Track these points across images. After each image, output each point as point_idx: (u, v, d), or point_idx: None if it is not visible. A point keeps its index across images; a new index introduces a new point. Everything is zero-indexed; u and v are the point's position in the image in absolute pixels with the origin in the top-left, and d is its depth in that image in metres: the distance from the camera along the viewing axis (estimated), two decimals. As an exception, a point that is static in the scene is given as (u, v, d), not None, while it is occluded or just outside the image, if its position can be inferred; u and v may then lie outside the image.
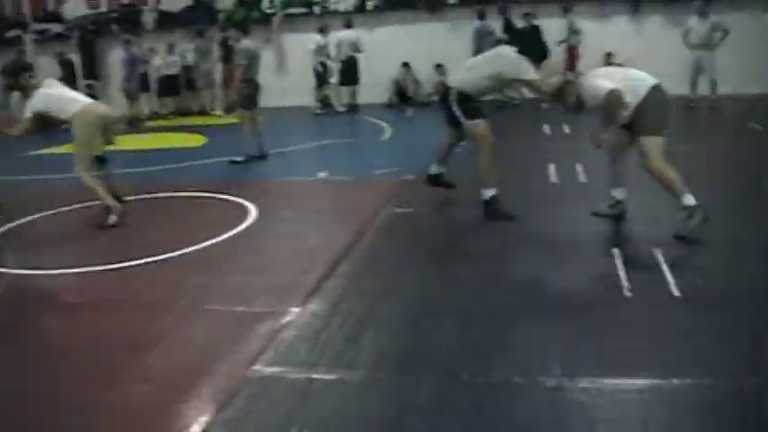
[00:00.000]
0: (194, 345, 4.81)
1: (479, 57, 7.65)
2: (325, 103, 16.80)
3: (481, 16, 15.68)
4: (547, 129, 12.18)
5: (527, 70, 6.93)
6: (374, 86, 16.78)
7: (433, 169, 7.75)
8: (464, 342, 4.56)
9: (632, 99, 6.21)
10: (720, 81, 13.93)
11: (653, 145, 6.22)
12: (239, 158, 10.79)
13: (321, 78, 16.43)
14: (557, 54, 15.04)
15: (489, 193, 7.06)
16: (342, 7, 17.70)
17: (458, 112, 7.09)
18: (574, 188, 8.24)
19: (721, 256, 5.92)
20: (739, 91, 14.86)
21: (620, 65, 14.87)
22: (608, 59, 15.47)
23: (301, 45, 17.32)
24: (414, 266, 6.12)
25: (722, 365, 4.09)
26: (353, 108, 16.42)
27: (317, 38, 16.02)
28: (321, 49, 16.07)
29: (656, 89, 6.28)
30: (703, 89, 13.82)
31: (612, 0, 16.05)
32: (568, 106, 6.68)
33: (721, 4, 14.82)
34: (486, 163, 7.09)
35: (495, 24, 15.75)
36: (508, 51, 7.11)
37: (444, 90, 7.36)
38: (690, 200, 6.13)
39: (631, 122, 6.35)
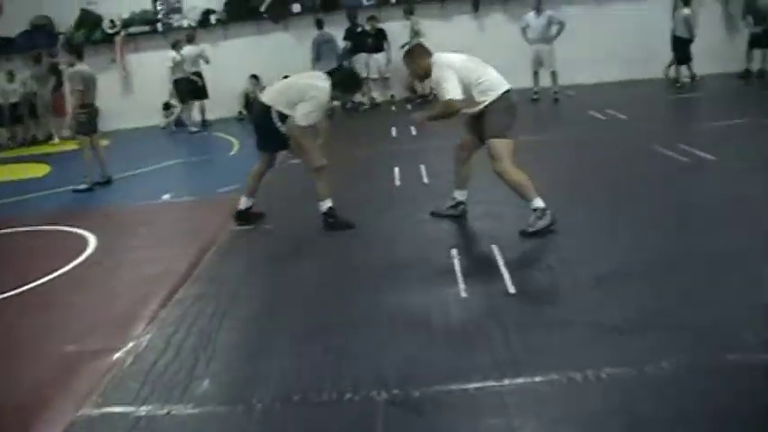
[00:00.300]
0: (21, 390, 4.57)
1: (293, 80, 7.30)
2: (177, 121, 16.35)
3: (319, 26, 15.67)
4: (394, 131, 12.20)
5: (312, 107, 6.78)
6: (224, 100, 16.48)
7: (243, 203, 7.36)
8: (298, 362, 4.46)
9: (483, 98, 6.27)
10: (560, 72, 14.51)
11: (502, 148, 6.28)
12: (82, 186, 10.35)
13: (183, 95, 15.93)
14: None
15: (326, 204, 6.98)
16: (185, 23, 17.25)
17: (282, 128, 6.94)
18: (417, 190, 8.29)
19: (557, 252, 6.00)
20: (577, 81, 15.43)
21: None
22: None
23: (146, 64, 16.84)
24: (250, 287, 6.00)
25: (554, 360, 4.13)
26: (203, 124, 16.07)
27: (172, 54, 15.53)
28: (178, 65, 15.59)
29: (507, 93, 6.35)
30: (546, 81, 14.10)
31: (453, 0, 16.10)
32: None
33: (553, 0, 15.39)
34: (323, 177, 7.01)
35: (335, 32, 15.71)
36: (322, 86, 6.94)
37: (262, 107, 7.11)
38: (539, 203, 6.24)
39: (480, 124, 6.36)
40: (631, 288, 5.10)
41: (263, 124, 7.04)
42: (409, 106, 14.82)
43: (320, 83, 6.90)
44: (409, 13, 15.70)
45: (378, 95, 16.41)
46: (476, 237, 6.52)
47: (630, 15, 16.08)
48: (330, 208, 6.99)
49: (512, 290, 5.21)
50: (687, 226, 6.37)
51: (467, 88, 6.24)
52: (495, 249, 5.97)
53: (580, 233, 6.38)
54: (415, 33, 15.51)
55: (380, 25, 16.27)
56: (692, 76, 14.84)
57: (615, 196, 7.40)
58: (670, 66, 15.21)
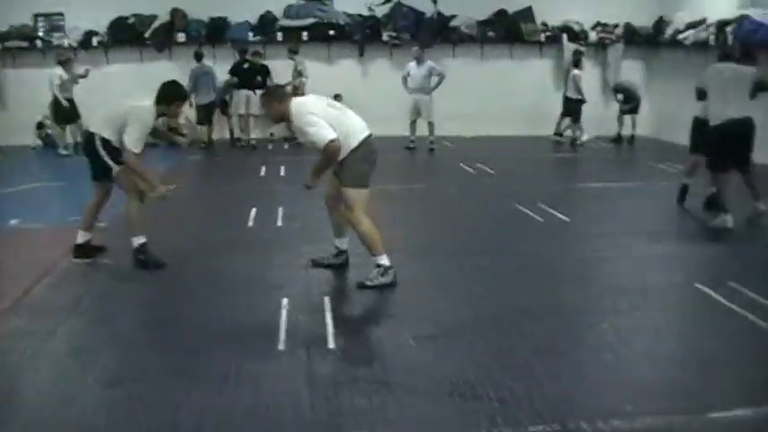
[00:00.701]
0: None
1: (117, 105, 6.84)
2: (48, 142, 15.62)
3: (198, 58, 15.32)
4: (263, 170, 11.93)
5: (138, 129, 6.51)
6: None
7: (80, 237, 6.97)
8: (96, 409, 4.14)
9: (344, 147, 6.04)
10: (439, 123, 14.68)
11: (358, 197, 6.14)
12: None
13: (58, 116, 15.18)
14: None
15: (138, 241, 6.64)
16: (66, 42, 16.59)
17: (105, 157, 6.60)
18: (268, 232, 8.08)
19: (390, 308, 5.93)
20: (456, 133, 15.68)
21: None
22: (338, 101, 15.51)
23: (22, 81, 16.08)
24: (69, 325, 5.60)
25: (356, 424, 3.98)
26: (76, 147, 15.37)
27: (59, 71, 14.77)
28: (64, 84, 14.85)
29: (368, 140, 6.19)
30: (423, 130, 14.17)
31: (339, 43, 16.01)
32: None
33: (438, 52, 15.60)
34: (134, 210, 6.67)
35: (223, 66, 15.41)
36: (145, 104, 6.64)
37: (87, 135, 6.84)
38: (385, 260, 6.13)
39: (339, 170, 6.21)
40: (452, 350, 5.01)
41: (91, 153, 6.67)
42: (286, 145, 14.53)
43: (143, 102, 6.59)
44: (293, 52, 15.49)
45: (257, 133, 16.05)
46: (311, 286, 6.24)
47: (518, 72, 16.53)
48: (142, 244, 6.67)
49: (332, 345, 4.99)
50: (526, 285, 6.41)
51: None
52: (327, 301, 5.76)
53: (418, 289, 6.31)
54: (299, 73, 15.33)
55: (264, 62, 15.95)
56: (573, 139, 15.14)
57: (463, 252, 7.37)
58: (559, 124, 15.44)
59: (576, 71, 14.83)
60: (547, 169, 12.70)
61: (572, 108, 15.03)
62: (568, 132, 15.41)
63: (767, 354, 5.02)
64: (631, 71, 16.26)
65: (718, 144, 8.18)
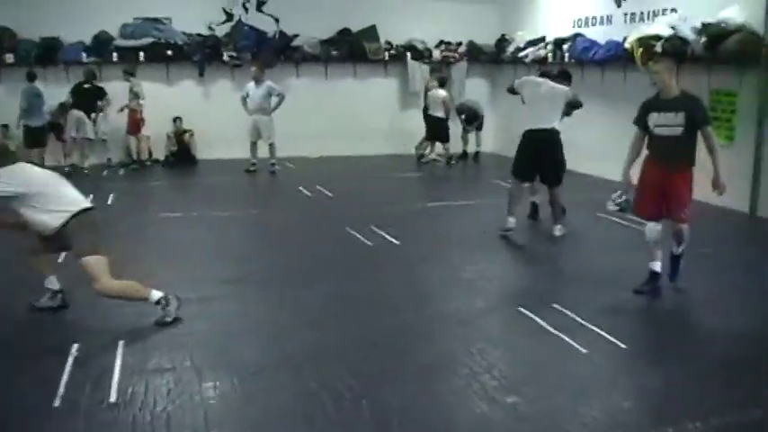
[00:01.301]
0: None
1: None
2: None
3: (30, 78, 14.35)
4: (90, 198, 11.12)
5: None
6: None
7: None
8: None
9: (56, 222, 5.64)
10: (283, 144, 14.38)
11: (96, 266, 5.69)
12: None
13: None
14: (123, 117, 14.51)
15: None
16: None
17: None
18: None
19: (183, 352, 5.43)
20: (301, 154, 15.47)
21: (188, 130, 14.77)
22: (176, 124, 14.99)
23: None
24: None
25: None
26: None
27: None
28: None
29: (87, 212, 5.82)
30: (264, 152, 13.74)
31: (179, 63, 15.37)
32: None
33: (282, 72, 15.48)
34: None
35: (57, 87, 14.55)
36: None
37: None
38: (156, 294, 5.80)
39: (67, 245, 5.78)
40: (250, 398, 4.65)
41: None
42: (122, 171, 13.80)
43: None
44: (129, 74, 14.74)
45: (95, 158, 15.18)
46: (107, 332, 5.68)
47: (363, 91, 16.39)
48: None
49: (113, 398, 4.49)
50: (342, 316, 6.12)
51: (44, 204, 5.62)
52: (121, 346, 5.23)
53: (223, 327, 5.90)
54: (135, 95, 14.58)
55: (100, 84, 15.12)
56: (449, 157, 15.05)
57: (281, 282, 7.06)
58: (422, 143, 15.30)
59: (442, 92, 14.73)
60: (388, 189, 12.42)
61: (441, 127, 14.92)
62: (432, 156, 15.31)
63: (581, 378, 4.82)
64: (476, 88, 16.33)
65: (520, 151, 8.66)
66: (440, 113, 14.73)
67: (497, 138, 16.33)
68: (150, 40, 15.26)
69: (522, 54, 14.93)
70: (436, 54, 16.28)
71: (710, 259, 7.67)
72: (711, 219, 9.55)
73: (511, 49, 15.43)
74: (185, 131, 15.23)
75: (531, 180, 8.93)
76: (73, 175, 13.35)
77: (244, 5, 15.68)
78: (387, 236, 8.52)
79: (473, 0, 16.41)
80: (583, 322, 5.72)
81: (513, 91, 9.00)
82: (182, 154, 15.14)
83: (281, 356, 5.17)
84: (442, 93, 14.82)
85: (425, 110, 15.15)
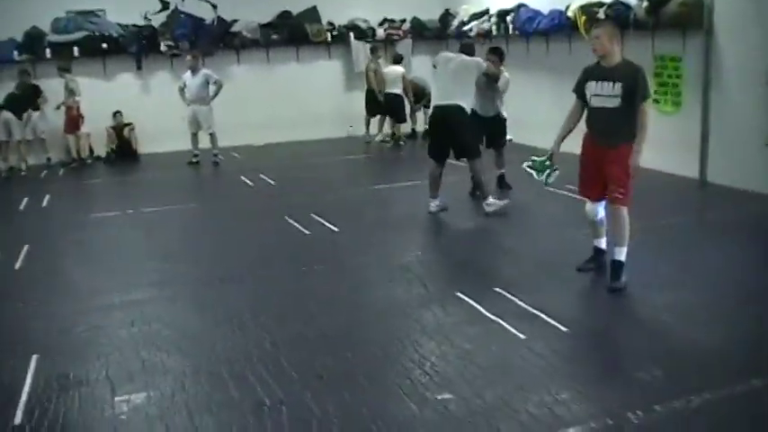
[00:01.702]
0: None
1: None
2: None
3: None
4: (24, 203, 10.67)
5: None
6: None
7: None
8: None
9: None
10: (228, 133, 14.09)
11: None
12: None
13: None
14: (61, 115, 14.00)
15: None
16: None
17: None
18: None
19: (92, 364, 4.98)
20: (246, 142, 15.08)
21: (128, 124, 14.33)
22: (116, 118, 14.52)
23: None
24: None
25: None
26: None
27: None
28: None
29: None
30: (206, 143, 13.35)
31: (115, 56, 14.83)
32: None
33: (222, 60, 15.10)
34: None
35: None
36: None
37: None
38: None
39: None
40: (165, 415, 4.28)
41: None
42: (62, 170, 13.32)
43: None
44: (64, 70, 14.17)
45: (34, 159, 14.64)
46: (20, 345, 5.35)
47: (307, 74, 16.00)
48: None
49: (18, 420, 4.21)
50: (260, 314, 5.76)
51: None
52: (34, 361, 4.90)
53: (143, 333, 5.52)
54: (70, 92, 14.04)
55: (35, 81, 14.56)
56: (398, 137, 14.77)
57: (208, 279, 6.70)
58: (367, 124, 15.05)
59: (400, 68, 14.41)
60: (333, 174, 12.04)
61: (398, 104, 14.69)
62: (379, 136, 14.96)
63: (519, 369, 4.54)
64: (422, 66, 15.94)
65: (429, 130, 8.49)
66: (396, 90, 14.33)
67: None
68: (84, 33, 14.70)
69: (466, 28, 14.60)
70: (380, 32, 15.89)
71: (659, 232, 7.42)
72: (661, 186, 9.35)
73: (455, 23, 15.06)
74: (126, 125, 14.72)
75: (443, 159, 8.49)
76: (11, 178, 12.89)
77: (179, -8, 15.11)
78: (326, 223, 8.21)
79: (416, -26, 16.03)
80: (524, 305, 5.45)
81: (435, 68, 8.80)
82: (123, 149, 14.67)
83: (203, 364, 4.83)
84: (399, 69, 14.51)
85: (368, 88, 14.68)
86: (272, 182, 11.12)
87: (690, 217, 8.21)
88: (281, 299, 6.06)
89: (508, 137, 13.62)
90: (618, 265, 5.81)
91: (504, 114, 9.45)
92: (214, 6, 15.17)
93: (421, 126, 15.43)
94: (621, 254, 5.78)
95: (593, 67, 5.89)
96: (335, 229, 8.03)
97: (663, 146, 10.50)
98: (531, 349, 4.75)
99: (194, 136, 13.47)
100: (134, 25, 14.99)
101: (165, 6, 15.14)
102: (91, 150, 14.63)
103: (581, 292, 5.91)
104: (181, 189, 11.38)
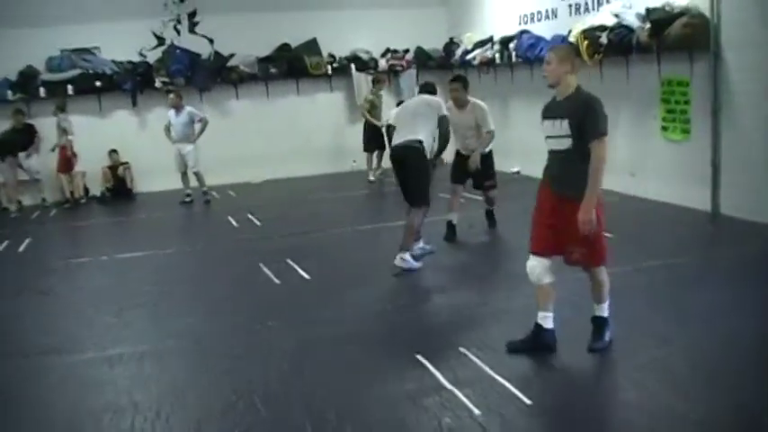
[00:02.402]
0: None
1: None
2: None
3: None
4: (4, 245, 10.21)
5: None
6: None
7: None
8: None
9: None
10: (226, 170, 14.03)
11: None
12: None
13: None
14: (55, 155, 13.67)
15: None
16: None
17: None
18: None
19: None
20: (245, 179, 14.77)
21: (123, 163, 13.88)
22: (113, 157, 14.29)
23: None
24: None
25: None
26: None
27: None
28: None
29: None
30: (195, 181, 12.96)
31: (110, 94, 14.42)
32: None
33: (220, 95, 14.93)
34: None
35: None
36: None
37: None
38: None
39: None
40: None
41: None
42: (54, 211, 12.90)
43: None
44: (60, 109, 13.79)
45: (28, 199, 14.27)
46: None
47: (308, 107, 15.55)
48: None
49: None
50: (200, 380, 5.15)
51: None
52: None
53: (76, 402, 4.92)
54: (63, 131, 13.65)
55: (30, 121, 14.22)
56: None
57: (157, 339, 6.10)
58: (369, 162, 14.37)
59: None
60: (324, 212, 11.34)
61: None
62: (379, 171, 14.30)
63: None
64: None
65: (393, 171, 7.63)
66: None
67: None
68: (78, 71, 14.31)
69: (469, 57, 14.01)
70: (382, 63, 15.33)
71: (658, 274, 6.73)
72: (668, 221, 8.66)
73: (459, 52, 14.47)
74: (121, 164, 14.30)
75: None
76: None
77: (175, 28, 14.75)
78: (300, 270, 7.61)
79: (419, 4, 15.53)
80: (487, 370, 4.76)
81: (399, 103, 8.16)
82: (118, 188, 14.23)
83: None
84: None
85: (366, 122, 14.05)
86: (259, 222, 10.56)
87: (695, 256, 7.42)
88: (224, 365, 5.39)
89: (515, 168, 13.05)
90: (601, 323, 5.07)
91: (488, 149, 8.73)
92: (211, 41, 14.78)
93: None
94: (603, 310, 5.05)
95: (549, 103, 5.00)
96: (307, 277, 7.43)
97: (672, 176, 9.84)
98: (484, 430, 4.04)
99: (184, 175, 13.08)
100: (129, 62, 14.59)
101: (161, 42, 14.77)
102: (86, 190, 14.21)
103: (557, 354, 5.13)
104: (164, 232, 10.83)
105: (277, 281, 7.38)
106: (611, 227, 8.63)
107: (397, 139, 7.39)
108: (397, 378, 4.86)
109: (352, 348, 5.48)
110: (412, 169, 7.33)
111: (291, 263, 7.90)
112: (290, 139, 14.95)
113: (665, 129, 9.99)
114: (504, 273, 7.43)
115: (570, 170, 4.70)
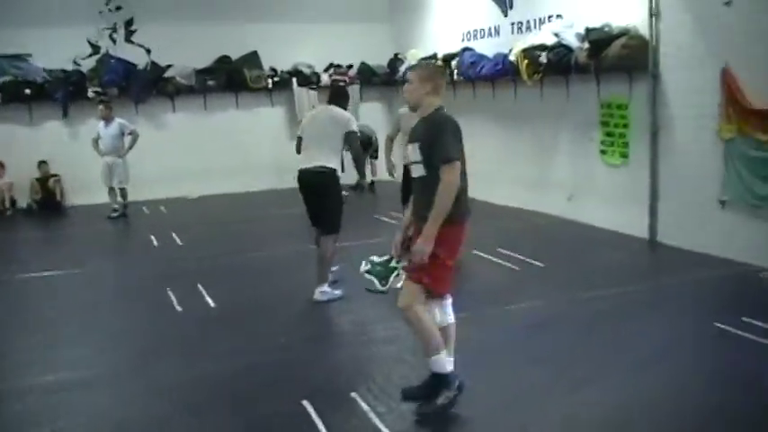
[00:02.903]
0: None
1: None
2: None
3: None
4: None
5: None
6: None
7: None
8: None
9: None
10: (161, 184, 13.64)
11: None
12: None
13: None
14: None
15: None
16: None
17: None
18: None
19: None
20: (181, 194, 14.23)
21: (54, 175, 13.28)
22: (42, 168, 13.72)
23: None
24: None
25: None
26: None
27: None
28: None
29: None
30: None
31: (41, 103, 13.79)
32: None
33: (156, 107, 14.37)
34: None
35: None
36: None
37: None
38: None
39: None
40: None
41: None
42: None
43: None
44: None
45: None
46: None
47: (248, 122, 15.06)
48: None
49: None
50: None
51: None
52: None
53: None
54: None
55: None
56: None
57: (40, 372, 5.50)
58: None
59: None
60: (253, 232, 10.71)
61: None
62: None
63: None
64: (371, 112, 14.98)
65: (301, 195, 7.06)
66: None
67: (398, 165, 14.88)
68: (7, 78, 13.65)
69: (412, 74, 13.54)
70: (325, 78, 14.86)
71: (585, 307, 6.35)
72: (605, 248, 8.33)
73: (402, 69, 14.07)
74: (52, 176, 13.69)
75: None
76: None
77: (111, 36, 14.20)
78: (207, 297, 7.12)
79: (364, 19, 15.11)
80: (376, 422, 4.28)
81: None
82: (47, 201, 13.59)
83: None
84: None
85: None
86: (180, 242, 10.02)
87: (629, 287, 7.03)
88: (98, 402, 4.92)
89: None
90: (432, 381, 4.42)
91: None
92: (148, 51, 14.27)
93: (368, 176, 14.28)
94: (435, 364, 4.39)
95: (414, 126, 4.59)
96: (213, 305, 6.94)
97: (610, 201, 9.51)
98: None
99: (111, 190, 12.51)
100: (62, 70, 13.95)
101: (96, 50, 14.23)
102: (12, 201, 13.56)
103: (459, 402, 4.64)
104: (80, 249, 10.23)
105: (179, 308, 6.88)
106: (544, 252, 8.36)
107: (305, 161, 6.88)
108: (277, 428, 4.35)
109: (238, 388, 4.98)
110: (322, 196, 6.84)
111: (201, 288, 7.42)
112: (229, 154, 14.45)
113: (603, 152, 9.67)
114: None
115: (428, 200, 4.18)
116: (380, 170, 13.24)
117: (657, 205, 8.84)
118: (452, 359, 4.41)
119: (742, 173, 7.57)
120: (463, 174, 4.25)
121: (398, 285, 4.52)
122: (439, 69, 4.67)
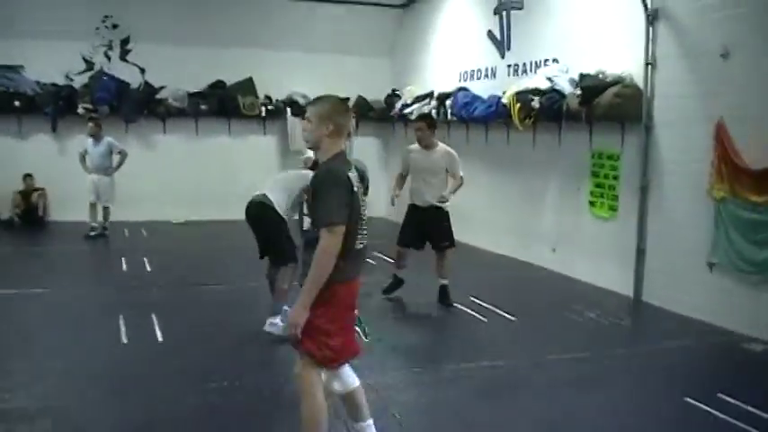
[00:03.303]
0: None
1: None
2: None
3: None
4: None
5: None
6: None
7: None
8: None
9: None
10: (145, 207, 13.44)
11: None
12: None
13: None
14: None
15: None
16: None
17: None
18: None
19: None
20: (165, 218, 13.96)
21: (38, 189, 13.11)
22: (27, 182, 13.51)
23: None
24: None
25: None
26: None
27: None
28: None
29: None
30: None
31: (31, 116, 13.54)
32: None
33: (147, 128, 14.18)
34: None
35: None
36: None
37: None
38: None
39: None
40: None
41: None
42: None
43: None
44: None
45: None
46: None
47: (239, 149, 14.86)
48: None
49: None
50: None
51: None
52: None
53: None
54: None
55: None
56: None
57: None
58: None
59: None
60: (226, 262, 10.04)
61: None
62: None
63: None
64: (366, 148, 14.66)
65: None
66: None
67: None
68: (-2, 89, 13.44)
69: (407, 111, 13.30)
70: (319, 109, 14.52)
71: (552, 372, 5.93)
72: (586, 304, 7.95)
73: (398, 105, 13.77)
74: (35, 190, 13.40)
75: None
76: None
77: (106, 54, 14.01)
78: (157, 329, 6.77)
79: (363, 52, 14.86)
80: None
81: None
82: (28, 215, 13.28)
83: None
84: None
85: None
86: (149, 268, 9.65)
87: (603, 351, 6.58)
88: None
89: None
90: None
91: (446, 206, 7.88)
92: (142, 70, 14.06)
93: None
94: None
95: None
96: (161, 338, 6.56)
97: (596, 255, 9.16)
98: None
99: (93, 207, 12.16)
100: (53, 84, 13.73)
101: (90, 67, 14.02)
102: (-6, 214, 13.28)
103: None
104: (47, 268, 9.89)
105: (125, 340, 6.49)
106: (518, 305, 7.96)
107: (253, 193, 6.61)
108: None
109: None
110: (267, 222, 6.66)
111: (155, 318, 7.03)
112: (218, 180, 14.15)
113: (592, 204, 9.31)
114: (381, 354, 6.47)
115: (311, 261, 3.67)
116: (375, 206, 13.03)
117: (644, 263, 8.45)
118: (370, 423, 3.97)
119: (732, 236, 7.18)
120: (354, 234, 3.71)
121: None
122: (341, 107, 3.97)
